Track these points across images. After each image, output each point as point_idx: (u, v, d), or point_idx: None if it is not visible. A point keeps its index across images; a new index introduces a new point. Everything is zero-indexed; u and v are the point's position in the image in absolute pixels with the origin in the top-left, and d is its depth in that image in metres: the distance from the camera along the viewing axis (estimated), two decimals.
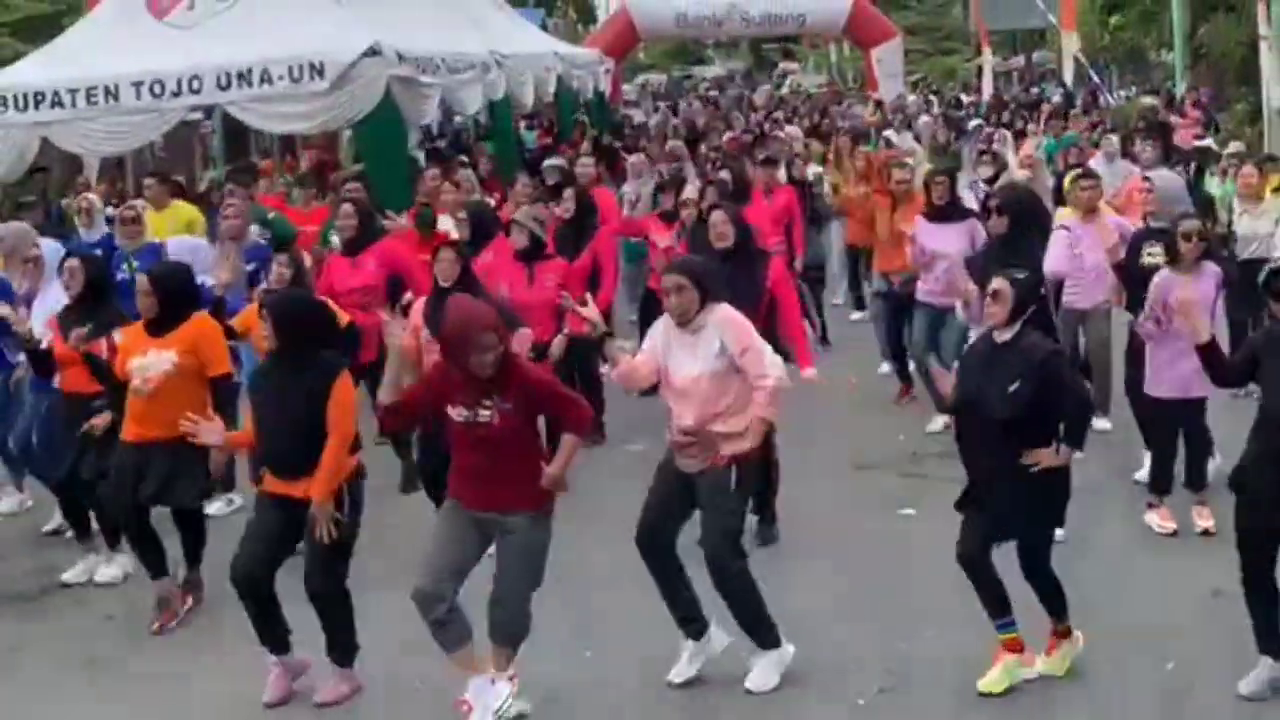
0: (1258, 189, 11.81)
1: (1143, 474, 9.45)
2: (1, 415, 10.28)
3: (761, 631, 7.05)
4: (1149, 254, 9.36)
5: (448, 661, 6.73)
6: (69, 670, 7.85)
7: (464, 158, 18.54)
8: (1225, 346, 7.51)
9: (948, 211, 11.28)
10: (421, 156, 19.27)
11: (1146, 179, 10.74)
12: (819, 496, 9.79)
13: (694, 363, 6.95)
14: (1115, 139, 16.89)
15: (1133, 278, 9.51)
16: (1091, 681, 6.92)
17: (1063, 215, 11.50)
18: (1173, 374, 8.70)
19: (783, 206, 13.06)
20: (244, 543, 7.16)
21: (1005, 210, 9.36)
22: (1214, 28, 29.70)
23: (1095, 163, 15.28)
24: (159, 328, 8.12)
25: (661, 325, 7.15)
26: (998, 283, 6.77)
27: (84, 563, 9.14)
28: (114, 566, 9.06)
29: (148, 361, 8.03)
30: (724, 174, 13.58)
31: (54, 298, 9.54)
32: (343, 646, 7.19)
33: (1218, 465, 9.04)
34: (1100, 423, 10.64)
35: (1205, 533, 8.66)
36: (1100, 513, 8.81)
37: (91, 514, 9.05)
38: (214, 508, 9.70)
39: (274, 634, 7.21)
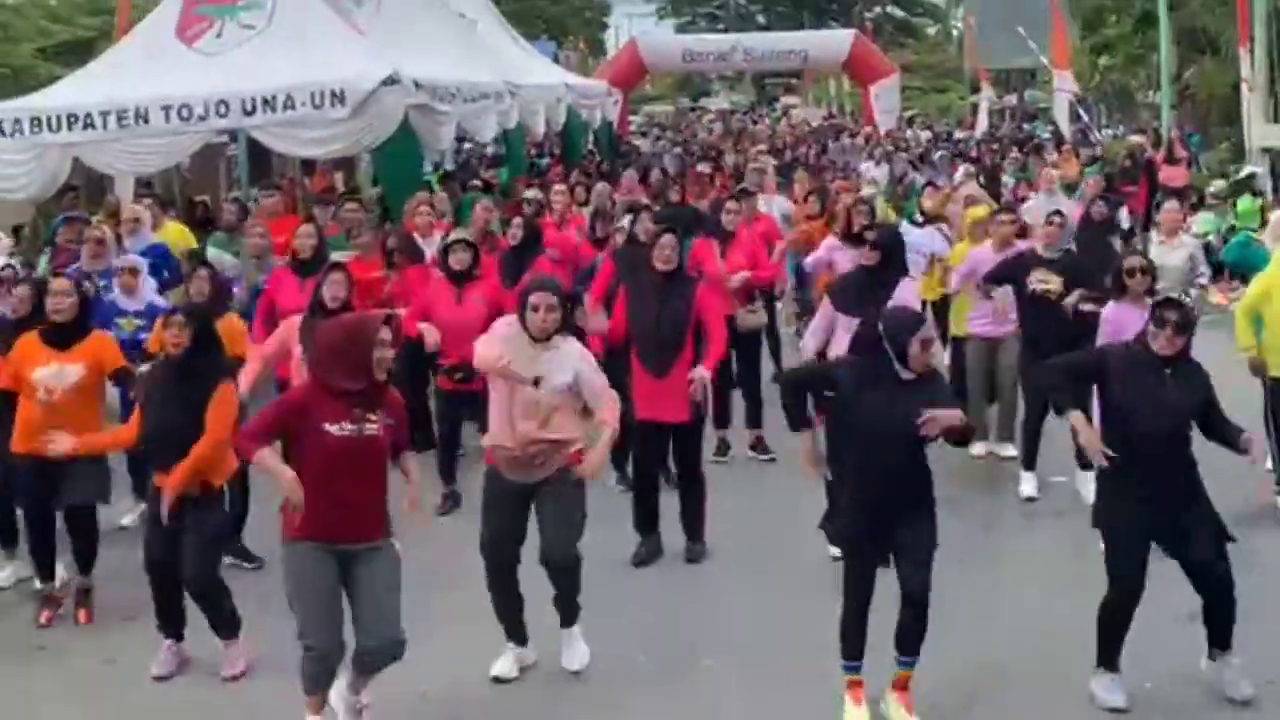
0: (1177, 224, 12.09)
1: None
2: None
3: (575, 609, 7.38)
4: (1040, 280, 10.00)
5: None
6: None
7: (477, 182, 18.64)
8: None
9: (862, 237, 11.32)
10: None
11: (1059, 214, 10.84)
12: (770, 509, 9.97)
13: (559, 374, 7.07)
14: (1054, 173, 17.15)
15: (1021, 297, 10.24)
16: None
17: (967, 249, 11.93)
18: None
19: (762, 233, 12.96)
20: (145, 530, 7.56)
21: (878, 246, 9.51)
22: (1200, 70, 29.85)
23: (1035, 196, 15.63)
24: (65, 339, 8.18)
25: (505, 335, 7.20)
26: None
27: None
28: (8, 569, 9.05)
29: (52, 373, 8.07)
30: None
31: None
32: (225, 625, 7.50)
33: None
34: (1005, 449, 11.19)
35: None
36: None
37: None
38: (127, 519, 9.81)
39: (170, 617, 7.54)
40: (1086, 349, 7.98)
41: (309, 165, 20.34)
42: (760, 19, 79.87)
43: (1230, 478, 7.85)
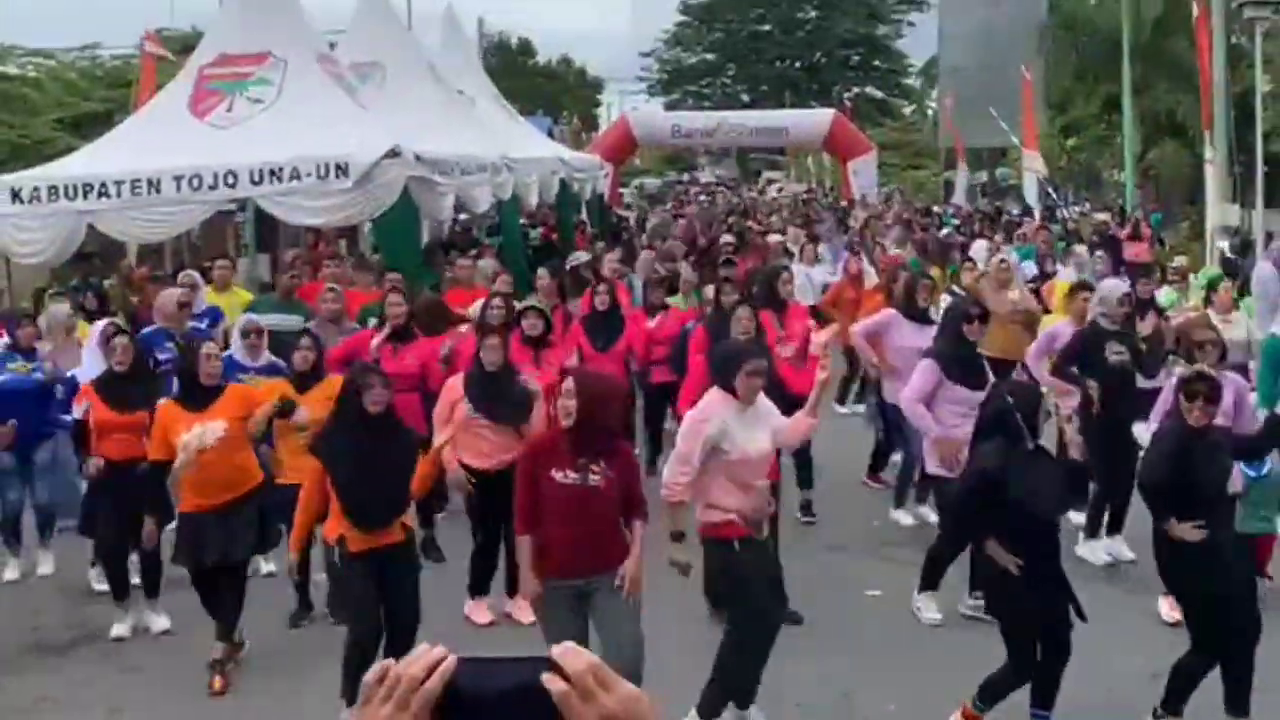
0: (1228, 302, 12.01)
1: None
2: (48, 482, 10.33)
3: None
4: (1116, 353, 9.87)
5: None
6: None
7: (475, 251, 18.69)
8: None
9: (928, 314, 11.37)
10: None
11: (1087, 284, 10.90)
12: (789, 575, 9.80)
13: (765, 437, 7.20)
14: (1083, 249, 17.07)
15: (1097, 374, 9.90)
16: None
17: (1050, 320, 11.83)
18: None
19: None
20: (357, 607, 7.34)
21: (986, 320, 9.67)
22: (1162, 152, 30.06)
23: (1062, 270, 15.61)
24: (204, 399, 8.20)
25: (722, 408, 7.16)
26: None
27: (131, 617, 9.11)
28: (161, 617, 9.10)
29: (196, 435, 7.98)
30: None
31: (90, 369, 9.67)
32: None
33: None
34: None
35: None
36: None
37: (131, 571, 9.09)
38: None
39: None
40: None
41: (314, 231, 20.38)
42: (745, 97, 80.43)
43: None
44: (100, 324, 11.31)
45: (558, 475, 6.54)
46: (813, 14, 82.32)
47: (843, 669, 8.00)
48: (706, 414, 7.15)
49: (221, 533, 7.94)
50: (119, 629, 9.02)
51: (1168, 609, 8.77)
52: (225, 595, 8.21)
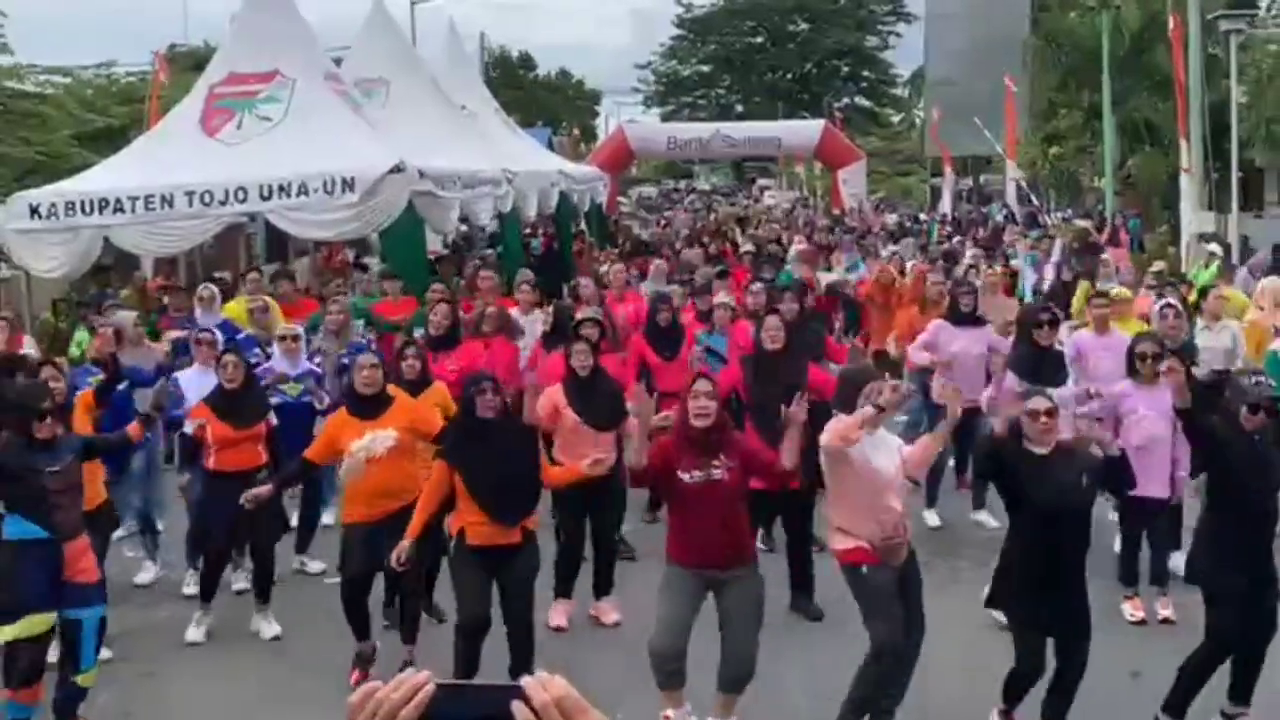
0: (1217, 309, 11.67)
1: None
2: (145, 487, 10.37)
3: None
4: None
5: None
6: None
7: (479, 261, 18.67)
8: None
9: (976, 316, 11.40)
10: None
11: (1105, 293, 10.88)
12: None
13: (890, 462, 7.07)
14: (1111, 263, 16.78)
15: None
16: None
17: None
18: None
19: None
20: (467, 594, 7.43)
21: (1056, 324, 9.90)
22: (1141, 160, 30.05)
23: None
24: (374, 409, 8.15)
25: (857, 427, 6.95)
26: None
27: (208, 621, 9.12)
28: (273, 625, 9.10)
29: (365, 443, 8.00)
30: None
31: (196, 383, 9.75)
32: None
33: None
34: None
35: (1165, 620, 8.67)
36: None
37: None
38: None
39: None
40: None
41: (323, 243, 20.39)
42: (739, 107, 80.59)
43: None
44: (174, 335, 11.38)
45: (685, 476, 6.80)
46: (803, 26, 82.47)
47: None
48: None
49: (386, 542, 7.78)
50: (195, 634, 9.01)
51: (1131, 609, 8.82)
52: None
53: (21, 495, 7.25)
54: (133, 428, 8.33)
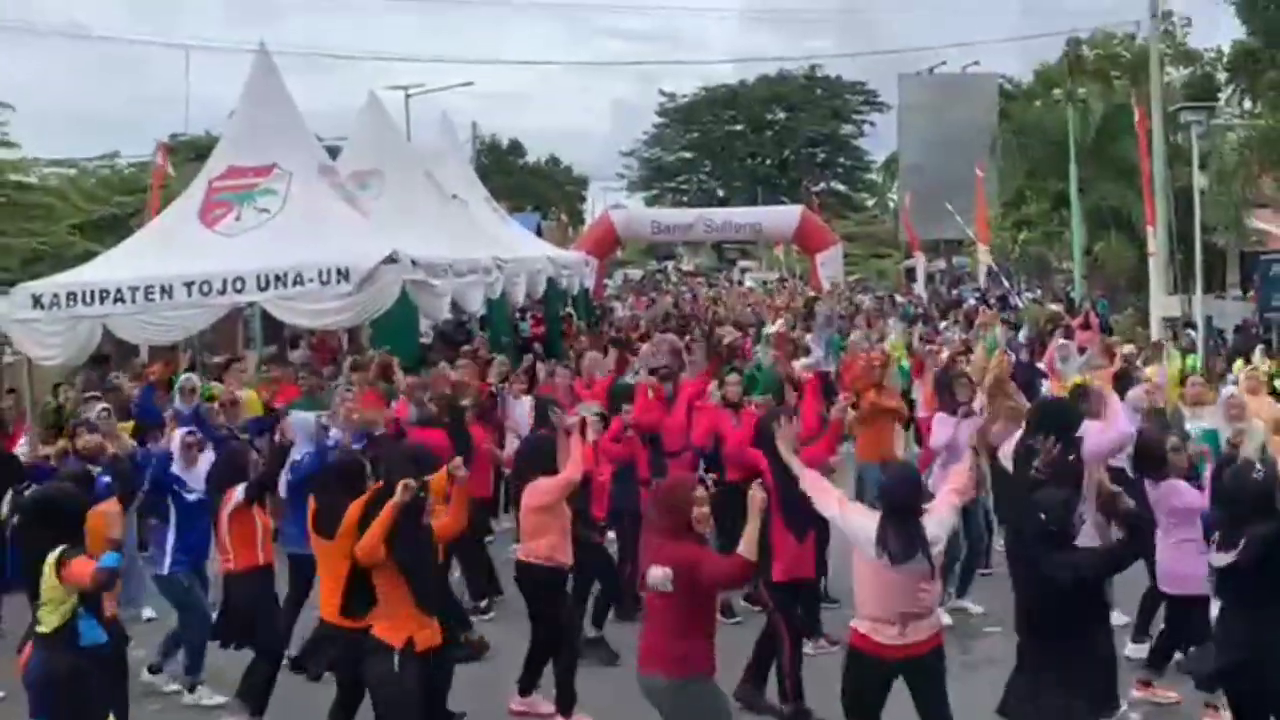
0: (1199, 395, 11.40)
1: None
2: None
3: None
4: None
5: None
6: None
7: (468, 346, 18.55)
8: None
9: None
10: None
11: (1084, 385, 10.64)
12: None
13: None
14: (1072, 345, 16.55)
15: None
16: None
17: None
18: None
19: None
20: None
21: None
22: (1108, 244, 30.16)
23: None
24: None
25: None
26: None
27: None
28: None
29: None
30: None
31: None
32: None
33: None
34: None
35: None
36: None
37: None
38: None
39: None
40: None
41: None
42: (720, 192, 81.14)
43: None
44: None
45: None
46: (781, 115, 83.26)
47: None
48: None
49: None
50: None
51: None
52: None
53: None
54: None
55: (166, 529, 9.27)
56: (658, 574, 6.19)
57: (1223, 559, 6.53)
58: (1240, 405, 10.52)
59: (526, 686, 8.74)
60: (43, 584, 6.63)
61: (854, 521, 6.72)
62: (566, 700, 8.51)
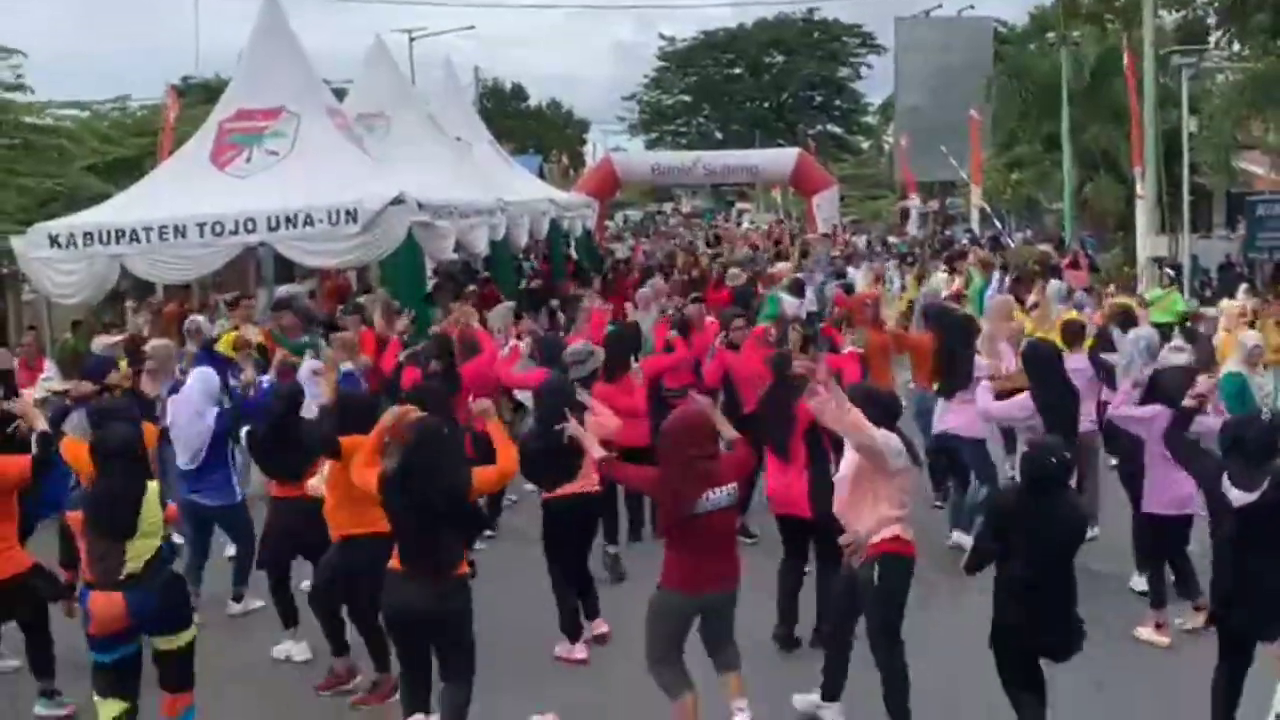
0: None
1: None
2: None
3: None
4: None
5: None
6: None
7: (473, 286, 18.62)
8: None
9: None
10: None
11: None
12: None
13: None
14: (1063, 285, 16.53)
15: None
16: None
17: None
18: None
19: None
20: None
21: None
22: (1097, 186, 30.13)
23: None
24: None
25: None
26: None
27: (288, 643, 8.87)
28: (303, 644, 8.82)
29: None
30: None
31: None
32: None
33: None
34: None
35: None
36: None
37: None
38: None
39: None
40: None
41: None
42: (718, 135, 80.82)
43: None
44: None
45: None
46: (779, 58, 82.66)
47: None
48: None
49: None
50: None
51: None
52: None
53: None
54: None
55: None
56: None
57: (1244, 497, 6.38)
58: (1261, 352, 10.77)
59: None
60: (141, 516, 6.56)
61: (890, 439, 6.93)
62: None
